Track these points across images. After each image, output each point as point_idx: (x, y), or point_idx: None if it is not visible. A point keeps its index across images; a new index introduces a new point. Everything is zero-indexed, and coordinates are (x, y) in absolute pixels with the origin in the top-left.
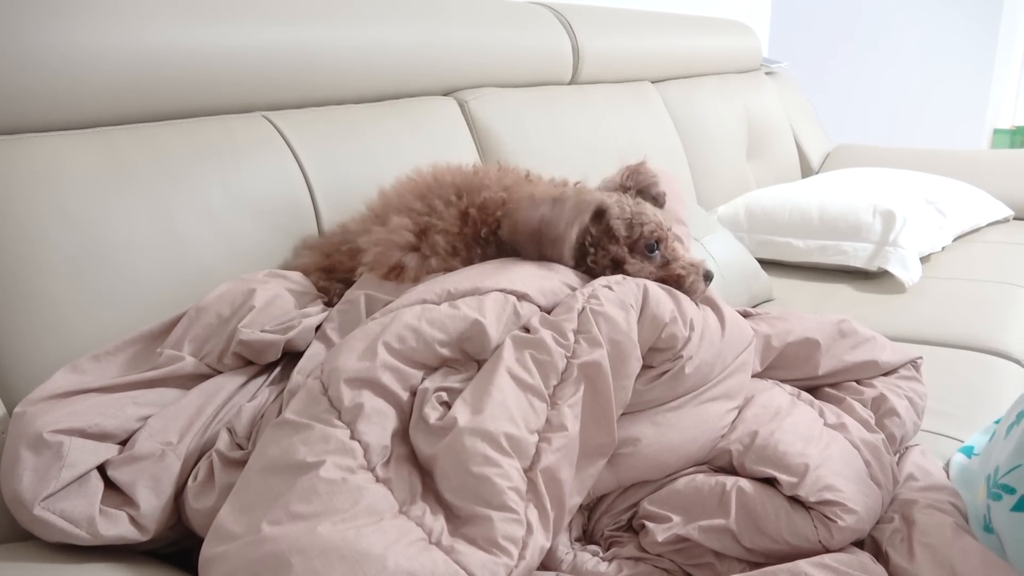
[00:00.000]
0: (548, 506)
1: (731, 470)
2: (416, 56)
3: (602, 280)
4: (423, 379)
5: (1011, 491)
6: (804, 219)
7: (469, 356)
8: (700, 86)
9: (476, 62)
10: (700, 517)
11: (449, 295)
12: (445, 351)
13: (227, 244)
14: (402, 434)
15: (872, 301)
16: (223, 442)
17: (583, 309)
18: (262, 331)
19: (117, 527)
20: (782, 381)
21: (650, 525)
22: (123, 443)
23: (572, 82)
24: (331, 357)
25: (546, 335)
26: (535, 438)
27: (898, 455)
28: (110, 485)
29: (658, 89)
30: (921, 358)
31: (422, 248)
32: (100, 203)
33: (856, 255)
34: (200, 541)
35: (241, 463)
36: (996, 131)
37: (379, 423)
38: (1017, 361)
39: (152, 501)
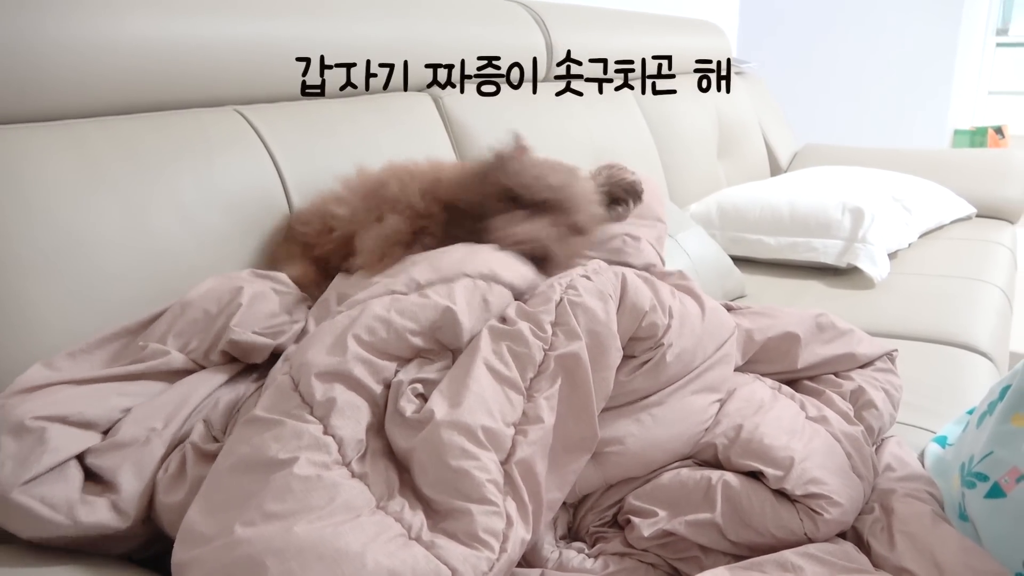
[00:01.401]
0: (526, 499)
1: (716, 463)
2: (392, 52)
3: (580, 269)
4: (396, 371)
5: (984, 479)
6: (775, 216)
7: (443, 346)
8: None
9: (452, 58)
10: (686, 511)
11: (417, 285)
12: (418, 341)
13: (200, 240)
14: (377, 428)
15: (843, 297)
16: (198, 433)
17: (561, 300)
18: (253, 332)
19: (96, 514)
20: (762, 375)
21: (636, 520)
22: (105, 433)
23: (546, 80)
24: (300, 351)
25: (523, 327)
26: (511, 431)
27: (875, 446)
28: (89, 477)
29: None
30: (896, 350)
31: (414, 249)
32: (71, 199)
33: (826, 252)
34: (172, 544)
35: (215, 456)
36: (957, 132)
37: (352, 417)
38: (984, 354)
39: (134, 484)
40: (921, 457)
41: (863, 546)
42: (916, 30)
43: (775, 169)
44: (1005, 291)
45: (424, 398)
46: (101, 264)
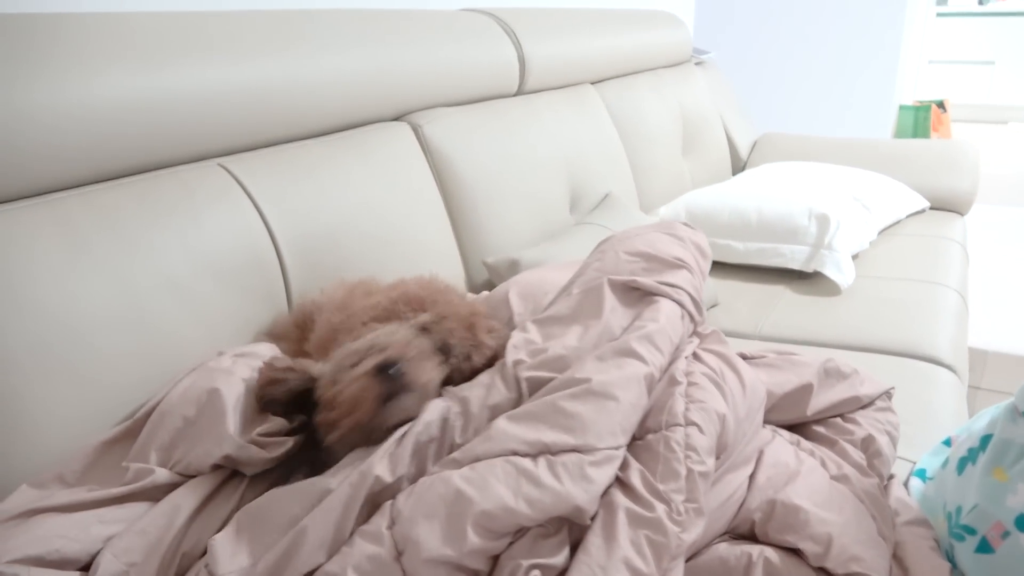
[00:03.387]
0: None
1: (751, 536)
2: (365, 81)
3: (693, 415)
4: (509, 544)
5: (972, 532)
6: (743, 221)
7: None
8: (636, 84)
9: (426, 81)
10: None
11: (545, 449)
12: (536, 523)
13: (194, 313)
14: None
15: (811, 305)
16: None
17: (690, 472)
18: (251, 441)
19: None
20: (772, 423)
21: None
22: (86, 567)
23: (519, 92)
24: (406, 520)
25: (661, 512)
26: None
27: None
28: None
29: (598, 90)
30: (893, 388)
31: None
32: (57, 283)
33: (793, 257)
34: None
35: None
36: (902, 107)
37: None
38: (949, 367)
39: None
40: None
41: None
42: (863, 4)
43: (736, 160)
44: (960, 292)
45: None
46: (95, 350)
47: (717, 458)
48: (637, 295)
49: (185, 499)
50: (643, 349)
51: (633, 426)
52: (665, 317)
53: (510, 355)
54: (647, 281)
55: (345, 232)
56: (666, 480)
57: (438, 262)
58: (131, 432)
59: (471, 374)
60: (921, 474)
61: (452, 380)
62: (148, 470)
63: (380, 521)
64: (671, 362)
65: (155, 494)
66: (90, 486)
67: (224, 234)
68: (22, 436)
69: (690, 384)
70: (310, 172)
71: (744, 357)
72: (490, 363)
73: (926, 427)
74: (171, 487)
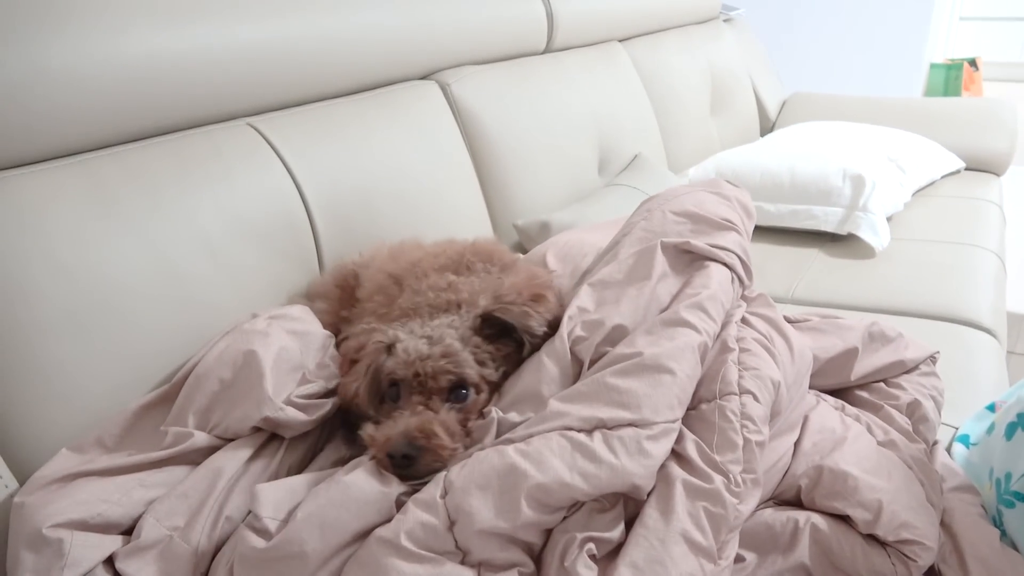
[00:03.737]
0: None
1: (797, 502)
2: (394, 38)
3: (748, 380)
4: (563, 519)
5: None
6: (775, 183)
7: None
8: (664, 42)
9: (454, 38)
10: (772, 553)
11: (601, 424)
12: (591, 498)
13: (227, 274)
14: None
15: (845, 268)
16: (247, 544)
17: (747, 442)
18: (289, 402)
19: None
20: (816, 388)
21: None
22: (129, 531)
23: (547, 50)
24: (459, 490)
25: (719, 484)
26: None
27: None
28: None
29: (626, 48)
30: (938, 352)
31: None
32: (92, 246)
33: (827, 219)
34: None
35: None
36: (933, 66)
37: (511, 568)
38: (989, 331)
39: None
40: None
41: (932, 572)
42: None
43: (764, 121)
44: (998, 254)
45: (595, 558)
46: (132, 315)
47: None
48: (687, 259)
49: (226, 462)
50: (694, 318)
51: (689, 397)
52: (716, 283)
53: (565, 328)
54: (700, 244)
55: (375, 193)
56: (723, 451)
57: (467, 224)
58: (168, 396)
59: (544, 339)
60: (964, 440)
61: (522, 353)
62: (187, 434)
63: (434, 490)
64: (722, 328)
65: (194, 458)
66: (129, 451)
67: (255, 195)
68: (58, 400)
69: (742, 351)
70: (339, 132)
71: (788, 321)
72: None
73: (967, 392)
74: (210, 450)
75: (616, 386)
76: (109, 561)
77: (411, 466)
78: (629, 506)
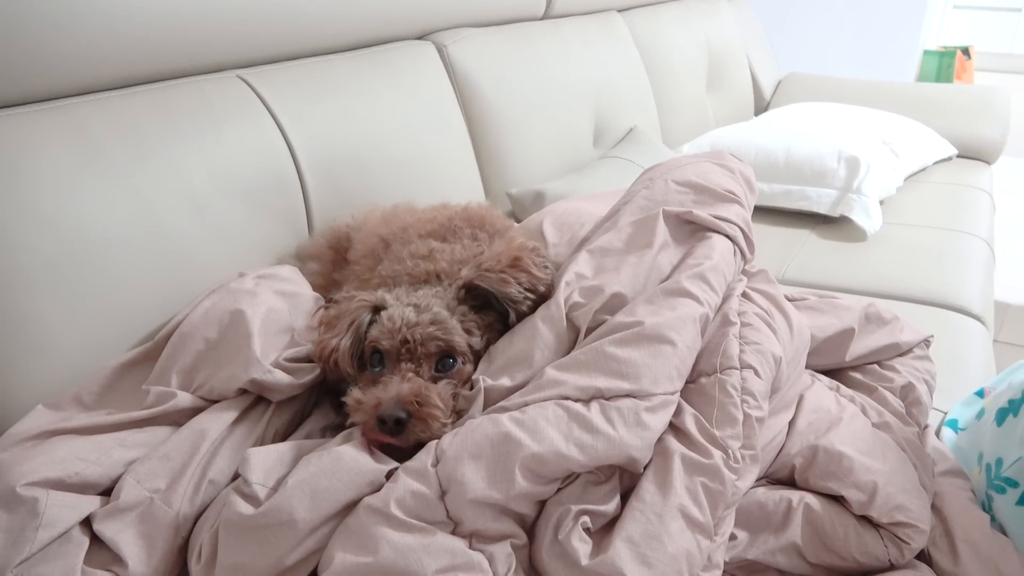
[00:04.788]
0: None
1: (790, 482)
2: None
3: (750, 354)
4: (557, 491)
5: (1015, 484)
6: (770, 162)
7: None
8: (663, 14)
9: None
10: (764, 532)
11: (598, 393)
12: (587, 469)
13: (216, 232)
14: (526, 551)
15: (836, 250)
16: (234, 510)
17: (747, 417)
18: (277, 364)
19: None
20: (811, 367)
21: None
22: (108, 492)
23: (546, 16)
24: (451, 459)
25: (718, 459)
26: None
27: None
28: (96, 540)
29: (625, 19)
30: (932, 336)
31: None
32: (74, 195)
33: (820, 201)
34: None
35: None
36: (926, 52)
37: (504, 539)
38: (978, 318)
39: (141, 556)
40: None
41: (922, 556)
42: None
43: (759, 100)
44: (988, 241)
45: (589, 532)
46: (114, 269)
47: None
48: (689, 230)
49: (210, 425)
50: (696, 288)
51: (689, 369)
52: (719, 254)
53: (561, 293)
54: (702, 214)
55: (367, 154)
56: (722, 426)
57: (460, 191)
58: (150, 355)
59: (534, 306)
60: (953, 424)
61: (507, 323)
62: (170, 394)
63: (425, 458)
64: (723, 301)
65: (177, 418)
66: (109, 409)
67: (244, 150)
68: (34, 353)
69: (744, 325)
70: (333, 89)
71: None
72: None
73: (955, 378)
74: (194, 411)
75: (615, 355)
76: (86, 522)
77: (401, 432)
78: (624, 479)
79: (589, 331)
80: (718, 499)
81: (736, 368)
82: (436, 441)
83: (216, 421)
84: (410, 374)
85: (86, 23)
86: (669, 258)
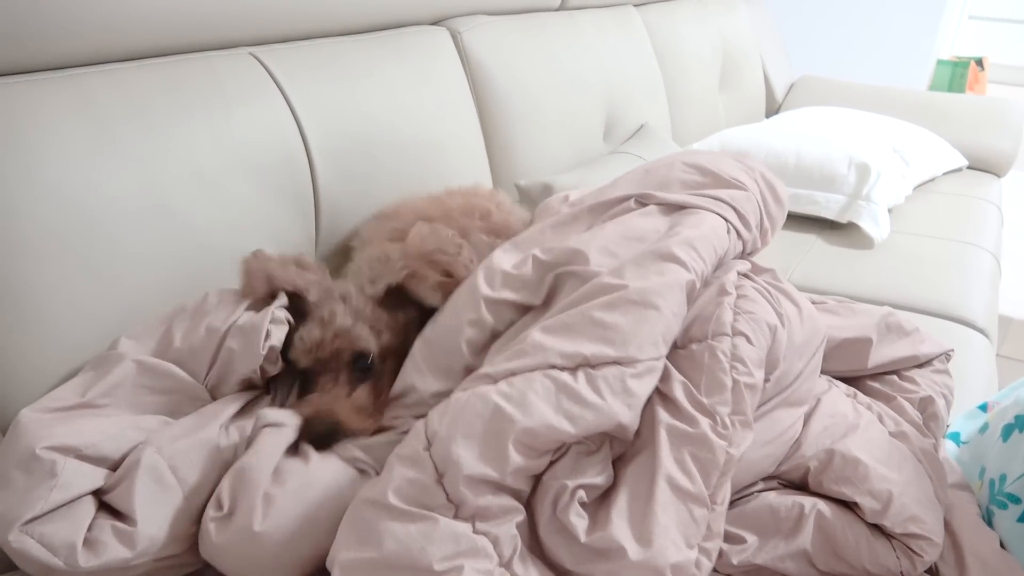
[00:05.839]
0: None
1: (802, 485)
2: None
3: (743, 323)
4: (550, 464)
5: (1017, 500)
6: (779, 165)
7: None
8: (679, 9)
9: None
10: (775, 537)
11: (584, 361)
12: (578, 440)
13: (222, 209)
14: (527, 525)
15: (842, 256)
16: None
17: (736, 384)
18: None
19: (99, 557)
20: (829, 373)
21: (724, 546)
22: (115, 470)
23: (562, 7)
24: (444, 440)
25: (705, 427)
26: (695, 553)
27: None
28: (102, 511)
29: (640, 13)
30: (952, 350)
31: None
32: (80, 167)
33: (828, 206)
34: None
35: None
36: (939, 62)
37: (506, 519)
38: (982, 331)
39: (150, 513)
40: None
41: (928, 569)
42: None
43: (770, 102)
44: (994, 254)
45: (585, 505)
46: (117, 244)
47: (767, 379)
48: (679, 209)
49: (225, 406)
50: (685, 255)
51: (675, 335)
52: (708, 227)
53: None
54: (676, 196)
55: (377, 138)
56: (711, 393)
57: (468, 180)
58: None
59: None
60: (955, 437)
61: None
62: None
63: (416, 444)
64: (713, 271)
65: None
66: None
67: (254, 128)
68: (33, 325)
69: (740, 296)
70: (345, 71)
71: None
72: None
73: (957, 390)
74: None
75: (602, 320)
76: (95, 495)
77: (329, 444)
78: (615, 445)
79: (553, 288)
80: (709, 467)
81: (727, 335)
82: (423, 423)
83: (229, 404)
84: (329, 385)
85: None
86: (653, 224)
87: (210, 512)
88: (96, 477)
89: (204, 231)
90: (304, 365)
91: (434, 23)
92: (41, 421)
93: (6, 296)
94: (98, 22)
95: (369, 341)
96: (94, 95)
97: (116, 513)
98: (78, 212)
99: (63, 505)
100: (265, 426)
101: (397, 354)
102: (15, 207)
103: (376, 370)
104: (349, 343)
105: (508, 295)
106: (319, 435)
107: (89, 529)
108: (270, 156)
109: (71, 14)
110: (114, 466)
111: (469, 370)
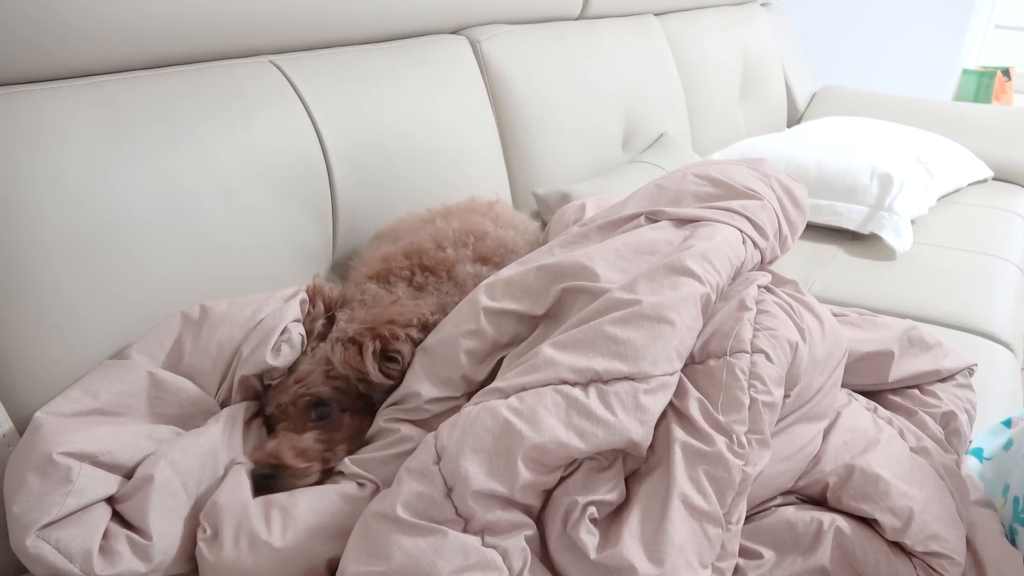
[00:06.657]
0: None
1: (820, 500)
2: None
3: (763, 340)
4: (561, 480)
5: None
6: (801, 175)
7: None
8: (700, 20)
9: None
10: (792, 553)
11: (596, 377)
12: (589, 456)
13: (241, 217)
14: (538, 540)
15: (864, 268)
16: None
17: (754, 402)
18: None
19: (115, 567)
20: (850, 387)
21: (741, 561)
22: (130, 476)
23: (581, 16)
24: (453, 454)
25: (721, 445)
26: (708, 572)
27: None
28: (116, 517)
29: (661, 23)
30: (976, 364)
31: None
32: (101, 172)
33: (850, 217)
34: None
35: None
36: (965, 71)
37: (515, 534)
38: (1006, 345)
39: (164, 528)
40: None
41: None
42: None
43: (792, 112)
44: (1019, 266)
45: (596, 522)
46: (139, 248)
47: (787, 395)
48: (690, 223)
49: (234, 415)
50: (699, 267)
51: (689, 348)
52: (722, 238)
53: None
54: (687, 211)
55: (395, 146)
56: (728, 411)
57: (486, 189)
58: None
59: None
60: (978, 453)
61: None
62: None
63: (425, 457)
64: (730, 283)
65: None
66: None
67: (274, 136)
68: (52, 328)
69: (760, 312)
70: (364, 80)
71: None
72: None
73: (981, 405)
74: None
75: (614, 336)
76: (108, 501)
77: (272, 486)
78: (628, 461)
79: (556, 302)
80: (725, 486)
81: (747, 352)
82: (434, 435)
83: (237, 412)
84: (284, 431)
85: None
86: (666, 236)
87: (199, 533)
88: (110, 484)
89: (223, 236)
90: (268, 412)
91: (453, 32)
92: (58, 426)
93: (27, 297)
94: (121, 30)
95: (326, 387)
96: (117, 102)
97: (126, 523)
98: (99, 216)
99: (77, 511)
100: (236, 464)
101: (363, 411)
102: (38, 211)
103: (334, 419)
104: (306, 388)
105: (509, 304)
106: (262, 476)
107: (103, 537)
108: (289, 163)
109: (95, 23)
110: (128, 474)
111: (468, 380)
